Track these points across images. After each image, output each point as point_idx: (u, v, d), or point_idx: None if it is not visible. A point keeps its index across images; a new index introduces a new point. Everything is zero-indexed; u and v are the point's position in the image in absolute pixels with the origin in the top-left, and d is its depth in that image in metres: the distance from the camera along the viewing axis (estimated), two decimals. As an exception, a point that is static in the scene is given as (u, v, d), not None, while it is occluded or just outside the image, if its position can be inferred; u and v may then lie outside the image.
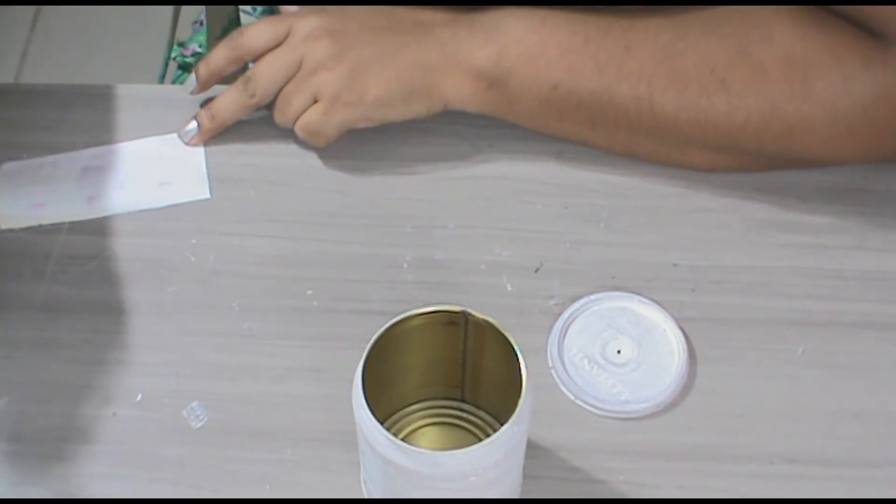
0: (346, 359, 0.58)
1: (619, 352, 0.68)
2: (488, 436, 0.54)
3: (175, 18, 1.14)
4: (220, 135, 0.77)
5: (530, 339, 0.68)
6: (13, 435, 0.66)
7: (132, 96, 0.81)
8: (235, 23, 0.99)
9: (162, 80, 1.12)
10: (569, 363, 0.67)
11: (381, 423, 0.53)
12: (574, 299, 0.70)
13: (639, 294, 0.70)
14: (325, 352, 0.68)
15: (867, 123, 0.68)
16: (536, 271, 0.72)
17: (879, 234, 0.73)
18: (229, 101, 0.76)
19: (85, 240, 0.73)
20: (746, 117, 0.69)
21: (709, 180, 0.75)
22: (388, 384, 0.60)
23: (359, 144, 0.76)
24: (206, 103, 0.77)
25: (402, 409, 0.64)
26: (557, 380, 0.67)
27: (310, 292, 0.71)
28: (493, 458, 0.54)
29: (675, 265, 0.72)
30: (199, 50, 1.10)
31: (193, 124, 0.77)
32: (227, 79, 0.77)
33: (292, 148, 0.77)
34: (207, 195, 0.76)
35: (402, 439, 0.58)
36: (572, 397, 0.66)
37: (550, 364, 0.68)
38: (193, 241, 0.73)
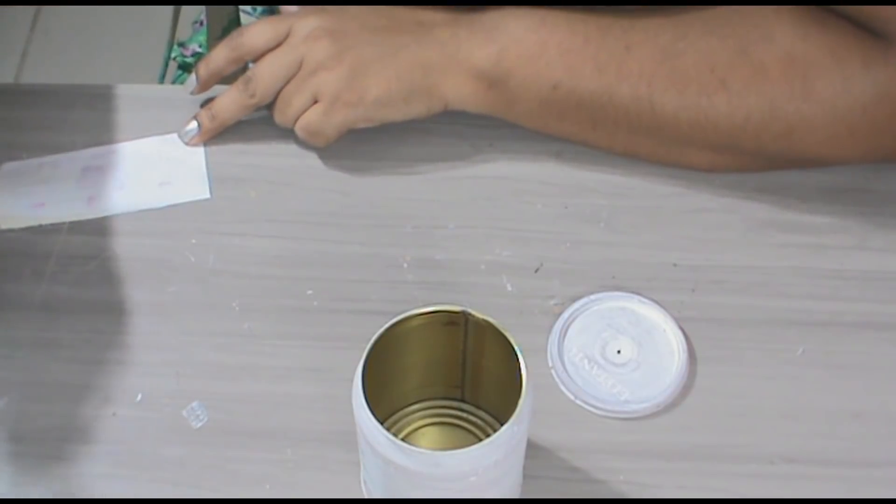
0: (346, 359, 0.58)
1: (619, 352, 0.68)
2: (488, 436, 0.54)
3: (175, 18, 1.14)
4: (220, 135, 0.77)
5: (530, 339, 0.68)
6: (13, 435, 0.66)
7: (132, 96, 0.81)
8: (235, 23, 0.99)
9: (162, 80, 1.12)
10: (569, 363, 0.67)
11: (381, 423, 0.53)
12: (574, 299, 0.70)
13: (639, 294, 0.70)
14: (325, 352, 0.68)
15: (867, 123, 0.68)
16: (536, 271, 0.72)
17: (879, 234, 0.73)
18: (229, 101, 0.76)
19: (85, 240, 0.73)
20: (746, 117, 0.69)
21: (709, 180, 0.75)
22: (388, 384, 0.60)
23: (359, 144, 0.76)
24: (206, 103, 0.77)
25: (402, 409, 0.64)
26: (557, 380, 0.67)
27: (310, 292, 0.71)
28: (493, 458, 0.54)
29: (675, 265, 0.72)
30: (199, 50, 1.10)
31: (193, 124, 0.77)
32: (228, 79, 0.77)
33: (292, 148, 0.77)
34: (207, 195, 0.76)
35: (402, 439, 0.58)
36: (572, 397, 0.66)
37: (550, 364, 0.68)
38: (193, 241, 0.73)
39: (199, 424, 0.66)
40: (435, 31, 0.73)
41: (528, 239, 0.73)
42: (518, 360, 0.54)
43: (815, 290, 0.71)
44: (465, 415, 0.64)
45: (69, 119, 0.79)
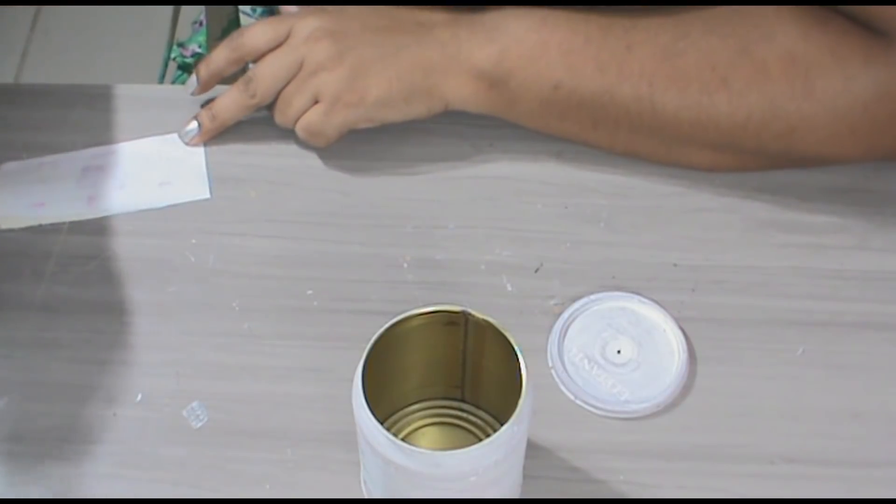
0: (346, 359, 0.58)
1: (619, 352, 0.68)
2: (488, 436, 0.54)
3: (175, 18, 1.14)
4: (220, 135, 0.77)
5: (530, 339, 0.68)
6: (13, 435, 0.66)
7: (132, 96, 0.81)
8: (235, 23, 0.99)
9: (162, 80, 1.12)
10: (569, 363, 0.67)
11: (381, 423, 0.53)
12: (574, 299, 0.70)
13: (639, 294, 0.70)
14: (325, 352, 0.68)
15: (868, 122, 0.68)
16: (536, 271, 0.72)
17: (880, 234, 0.73)
18: (230, 101, 0.76)
19: (85, 240, 0.73)
20: (748, 116, 0.69)
21: (709, 180, 0.75)
22: (388, 384, 0.60)
23: (359, 144, 0.76)
24: (206, 103, 0.77)
25: (402, 409, 0.64)
26: (557, 380, 0.67)
27: (310, 292, 0.71)
28: (493, 458, 0.54)
29: (675, 265, 0.72)
30: (199, 50, 1.10)
31: (194, 124, 0.77)
32: (228, 79, 0.77)
33: (292, 148, 0.77)
34: (207, 195, 0.76)
35: (402, 439, 0.58)
36: (572, 397, 0.66)
37: (550, 364, 0.68)
38: (193, 241, 0.73)
39: (199, 424, 0.66)
40: (435, 31, 0.73)
41: (528, 239, 0.73)
42: (518, 360, 0.54)
43: (815, 290, 0.71)
44: (465, 415, 0.64)
45: (69, 119, 0.79)
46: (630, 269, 0.71)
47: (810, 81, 0.68)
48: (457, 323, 0.57)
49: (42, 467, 0.64)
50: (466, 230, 0.74)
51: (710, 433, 0.65)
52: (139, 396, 0.67)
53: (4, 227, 0.74)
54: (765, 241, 0.73)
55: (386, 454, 0.54)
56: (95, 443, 0.65)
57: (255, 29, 0.75)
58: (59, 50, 1.88)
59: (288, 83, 0.74)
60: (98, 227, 0.74)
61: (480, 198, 0.75)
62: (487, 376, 0.61)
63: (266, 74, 0.74)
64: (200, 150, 0.78)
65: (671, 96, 0.70)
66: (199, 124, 0.77)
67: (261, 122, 0.78)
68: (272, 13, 0.96)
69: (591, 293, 0.70)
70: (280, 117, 0.75)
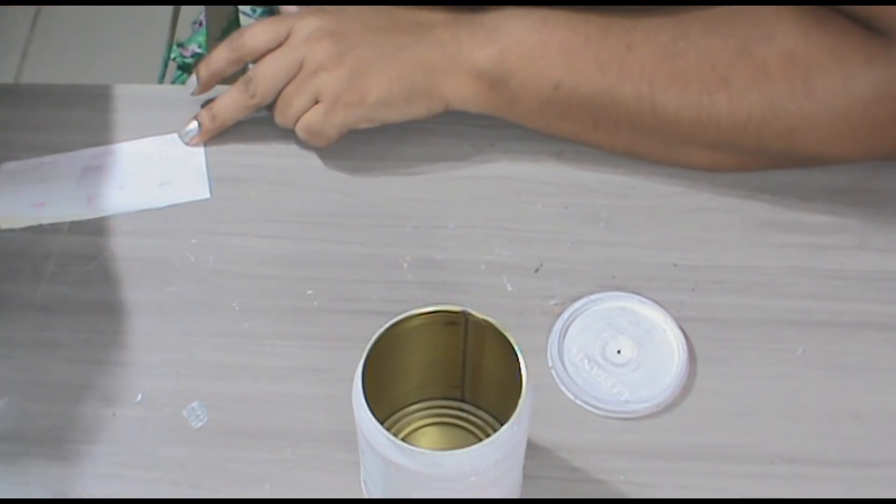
0: (346, 359, 0.58)
1: (619, 352, 0.68)
2: (488, 436, 0.54)
3: (175, 19, 1.14)
4: (220, 135, 0.77)
5: (530, 339, 0.68)
6: (13, 435, 0.66)
7: (132, 96, 0.81)
8: (235, 23, 0.99)
9: (162, 80, 1.12)
10: (569, 363, 0.67)
11: (381, 423, 0.53)
12: (574, 299, 0.70)
13: (639, 294, 0.70)
14: (325, 352, 0.68)
15: (869, 121, 0.68)
16: (536, 271, 0.72)
17: (879, 234, 0.73)
18: (230, 101, 0.76)
19: (85, 240, 0.73)
20: (748, 115, 0.69)
21: (709, 180, 0.75)
22: (388, 384, 0.60)
23: (359, 144, 0.76)
24: (206, 103, 0.77)
25: (402, 409, 0.64)
26: (557, 380, 0.67)
27: (310, 292, 0.71)
28: (493, 458, 0.54)
29: (675, 265, 0.72)
30: (199, 50, 1.10)
31: (194, 124, 0.77)
32: (228, 79, 0.77)
33: (292, 148, 0.77)
34: (207, 195, 0.76)
35: (402, 439, 0.58)
36: (572, 397, 0.66)
37: (550, 364, 0.68)
38: (193, 241, 0.73)
39: (199, 424, 0.66)
40: (435, 31, 0.73)
41: (528, 239, 0.73)
42: (518, 360, 0.54)
43: (815, 290, 0.71)
44: (465, 415, 0.64)
45: (69, 119, 0.79)
46: (630, 269, 0.71)
47: (810, 81, 0.68)
48: (457, 323, 0.57)
49: (42, 467, 0.64)
50: (466, 230, 0.74)
51: (710, 433, 0.65)
52: (139, 396, 0.67)
53: (4, 227, 0.74)
54: (765, 241, 0.73)
55: (386, 454, 0.54)
56: (95, 443, 0.65)
57: (255, 29, 0.75)
58: (59, 50, 1.88)
59: (288, 83, 0.74)
60: (98, 227, 0.74)
61: (480, 198, 0.75)
62: (487, 376, 0.61)
63: (266, 74, 0.74)
64: (200, 150, 0.78)
65: (671, 96, 0.70)
66: (199, 124, 0.77)
67: (261, 122, 0.78)
68: (272, 13, 0.96)
69: (591, 293, 0.70)
70: (280, 117, 0.75)
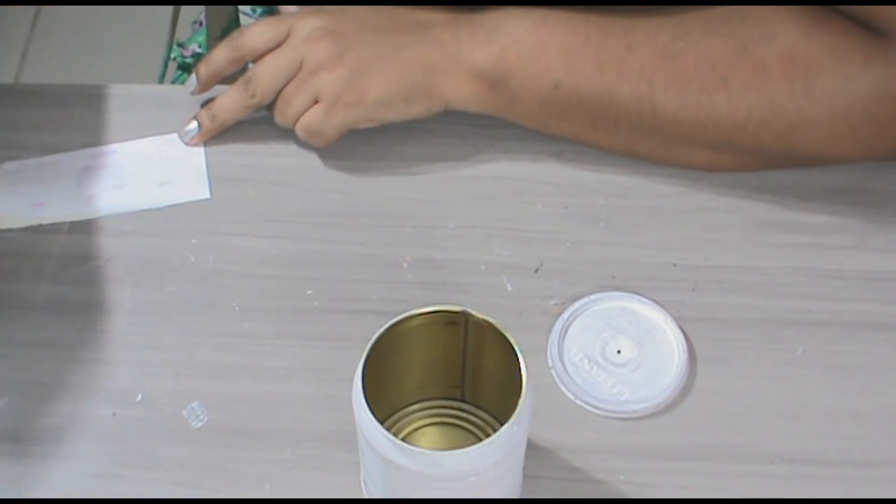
0: (346, 359, 0.58)
1: (619, 352, 0.68)
2: (488, 436, 0.54)
3: (175, 18, 1.14)
4: (220, 135, 0.77)
5: (530, 339, 0.68)
6: (13, 435, 0.66)
7: (132, 96, 0.81)
8: (235, 23, 0.99)
9: (162, 80, 1.12)
10: (569, 363, 0.67)
11: (381, 423, 0.53)
12: (574, 299, 0.70)
13: (639, 294, 0.70)
14: (325, 352, 0.68)
15: (868, 121, 0.68)
16: (536, 271, 0.72)
17: (879, 234, 0.73)
18: (230, 101, 0.76)
19: (85, 240, 0.73)
20: (747, 115, 0.70)
21: (709, 180, 0.75)
22: (388, 384, 0.60)
23: (359, 144, 0.76)
24: (206, 103, 0.77)
25: (402, 409, 0.64)
26: (557, 380, 0.67)
27: (310, 292, 0.71)
28: (493, 458, 0.54)
29: (675, 265, 0.72)
30: (199, 50, 1.10)
31: (194, 124, 0.77)
32: (228, 79, 0.77)
33: (292, 148, 0.77)
34: (207, 195, 0.76)
35: (402, 439, 0.58)
36: (572, 397, 0.66)
37: (550, 364, 0.68)
38: (193, 241, 0.73)
39: (199, 424, 0.66)
40: (435, 31, 0.73)
41: (528, 239, 0.73)
42: (518, 360, 0.54)
43: (815, 290, 0.71)
44: (465, 415, 0.64)
45: (69, 119, 0.79)
46: (630, 269, 0.71)
47: (810, 81, 0.68)
48: (457, 323, 0.57)
49: (42, 467, 0.64)
50: (466, 230, 0.74)
51: (710, 433, 0.65)
52: (139, 396, 0.67)
53: (4, 226, 0.74)
54: (765, 241, 0.73)
55: (386, 454, 0.54)
56: (95, 443, 0.65)
57: (255, 29, 0.75)
58: (59, 50, 1.88)
59: (288, 83, 0.74)
60: (98, 227, 0.74)
61: (480, 198, 0.75)
62: (487, 376, 0.61)
63: (266, 74, 0.74)
64: (200, 150, 0.78)
65: (671, 96, 0.70)
66: (199, 124, 0.77)
67: (261, 122, 0.78)
68: (272, 13, 0.96)
69: (591, 293, 0.70)
70: (280, 117, 0.75)
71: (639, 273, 0.71)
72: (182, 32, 1.14)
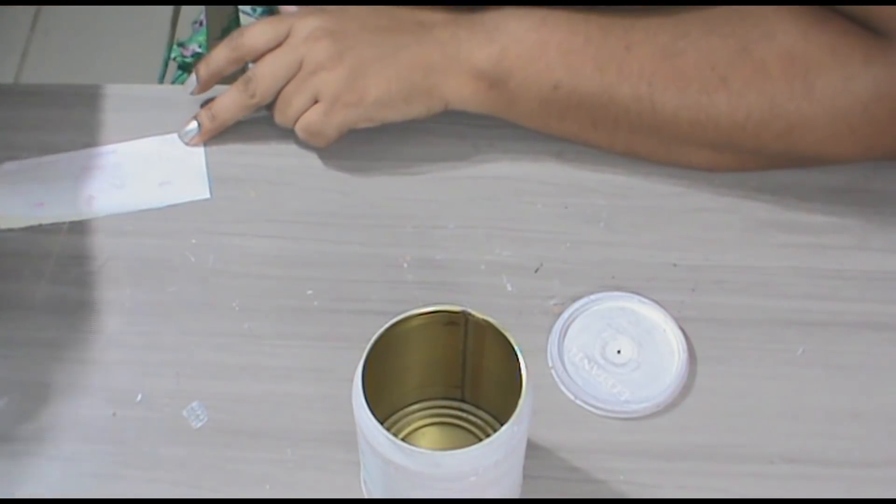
0: (346, 359, 0.58)
1: (619, 352, 0.68)
2: (488, 436, 0.54)
3: (175, 18, 1.14)
4: (220, 135, 0.77)
5: (530, 339, 0.68)
6: (13, 435, 0.66)
7: (132, 96, 0.81)
8: (235, 23, 0.99)
9: (162, 80, 1.12)
10: (569, 363, 0.67)
11: (381, 423, 0.53)
12: (574, 299, 0.70)
13: (639, 294, 0.70)
14: (325, 352, 0.68)
15: (868, 122, 0.68)
16: (536, 271, 0.72)
17: (879, 234, 0.73)
18: (230, 101, 0.76)
19: (85, 240, 0.73)
20: (747, 115, 0.70)
21: (709, 180, 0.75)
22: (388, 384, 0.60)
23: (359, 144, 0.76)
24: (206, 103, 0.77)
25: (402, 409, 0.64)
26: (557, 380, 0.67)
27: (310, 292, 0.71)
28: (493, 458, 0.54)
29: (675, 265, 0.72)
30: (199, 50, 1.10)
31: (194, 124, 0.77)
32: (228, 79, 0.77)
33: (292, 148, 0.77)
34: (207, 195, 0.76)
35: (402, 439, 0.58)
36: (572, 397, 0.66)
37: (550, 364, 0.68)
38: (193, 241, 0.73)
39: (199, 424, 0.66)
40: (435, 31, 0.73)
41: (528, 239, 0.73)
42: (518, 360, 0.54)
43: (815, 290, 0.71)
44: (465, 415, 0.64)
45: (69, 119, 0.79)
46: (630, 269, 0.71)
47: (810, 81, 0.68)
48: (457, 323, 0.57)
49: (42, 467, 0.64)
50: (466, 230, 0.74)
51: (710, 433, 0.65)
52: (139, 396, 0.67)
53: (4, 226, 0.74)
54: (764, 241, 0.73)
55: (386, 454, 0.54)
56: (95, 443, 0.65)
57: (255, 29, 0.75)
58: (59, 50, 1.88)
59: (288, 83, 0.74)
60: (98, 227, 0.74)
61: (480, 198, 0.75)
62: (487, 376, 0.61)
63: (266, 74, 0.74)
64: (200, 150, 0.78)
65: (671, 96, 0.70)
66: (199, 124, 0.77)
67: (261, 122, 0.78)
68: (272, 13, 0.96)
69: (591, 293, 0.70)
70: (280, 117, 0.75)
71: (639, 273, 0.71)
72: (182, 32, 1.14)
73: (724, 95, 0.69)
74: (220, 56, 0.76)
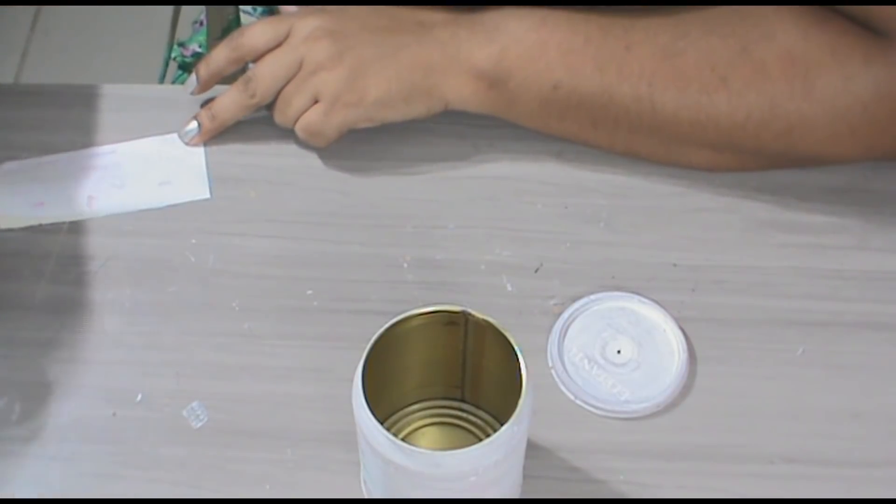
0: (346, 359, 0.58)
1: (619, 352, 0.68)
2: (488, 436, 0.54)
3: (175, 18, 1.14)
4: (220, 135, 0.77)
5: (530, 339, 0.68)
6: (13, 435, 0.66)
7: (132, 96, 0.81)
8: (235, 23, 0.99)
9: (162, 80, 1.12)
10: (569, 363, 0.67)
11: (381, 423, 0.53)
12: (574, 299, 0.70)
13: (639, 294, 0.70)
14: (325, 352, 0.68)
15: (868, 122, 0.68)
16: (536, 271, 0.72)
17: (879, 234, 0.73)
18: (230, 101, 0.76)
19: (85, 240, 0.73)
20: (747, 115, 0.70)
21: (709, 180, 0.75)
22: (388, 384, 0.60)
23: (359, 144, 0.76)
24: (206, 103, 0.77)
25: (402, 409, 0.64)
26: (557, 380, 0.67)
27: (310, 292, 0.71)
28: (493, 458, 0.54)
29: (675, 265, 0.72)
30: (199, 50, 1.10)
31: (194, 124, 0.77)
32: (228, 79, 0.77)
33: (292, 148, 0.77)
34: (207, 195, 0.76)
35: (402, 439, 0.58)
36: (572, 397, 0.66)
37: (550, 364, 0.68)
38: (193, 241, 0.73)
39: (199, 424, 0.66)
40: (435, 31, 0.73)
41: (528, 239, 0.73)
42: (518, 360, 0.54)
43: (815, 290, 0.71)
44: (465, 415, 0.64)
45: (69, 119, 0.79)
46: (630, 269, 0.71)
47: (810, 81, 0.68)
48: (457, 323, 0.57)
49: (42, 467, 0.64)
50: (466, 230, 0.74)
51: (710, 433, 0.65)
52: (139, 396, 0.67)
53: (4, 226, 0.74)
54: (764, 241, 0.73)
55: (386, 454, 0.54)
56: (95, 443, 0.65)
57: (255, 28, 0.75)
58: (59, 50, 1.88)
59: (288, 83, 0.74)
60: (98, 227, 0.74)
61: (480, 198, 0.75)
62: (487, 376, 0.61)
63: (266, 74, 0.74)
64: (200, 150, 0.78)
65: (671, 96, 0.70)
66: (199, 124, 0.77)
67: (261, 122, 0.78)
68: (272, 13, 0.96)
69: (591, 293, 0.70)
70: (280, 117, 0.75)
71: (639, 273, 0.71)
72: (182, 32, 1.14)
73: (724, 95, 0.69)
74: (220, 56, 0.76)
